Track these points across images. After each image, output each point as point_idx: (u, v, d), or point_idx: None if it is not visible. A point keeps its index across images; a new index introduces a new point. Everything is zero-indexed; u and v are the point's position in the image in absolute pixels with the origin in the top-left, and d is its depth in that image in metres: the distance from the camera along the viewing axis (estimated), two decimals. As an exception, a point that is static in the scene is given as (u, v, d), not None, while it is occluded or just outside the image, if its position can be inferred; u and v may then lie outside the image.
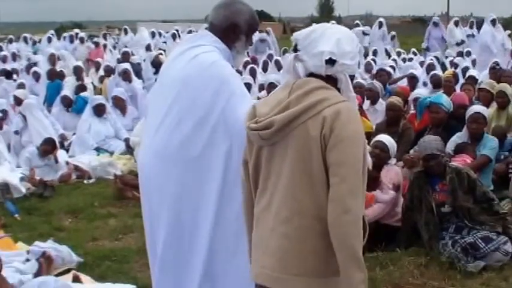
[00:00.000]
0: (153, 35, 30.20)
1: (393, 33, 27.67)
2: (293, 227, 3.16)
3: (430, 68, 16.21)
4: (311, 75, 3.30)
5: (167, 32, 30.42)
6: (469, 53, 21.22)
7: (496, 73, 14.02)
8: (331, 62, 3.21)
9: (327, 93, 3.16)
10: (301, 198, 3.14)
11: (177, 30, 28.12)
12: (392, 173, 7.43)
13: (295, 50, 3.35)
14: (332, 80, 3.26)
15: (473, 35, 25.06)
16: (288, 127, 3.14)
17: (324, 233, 3.10)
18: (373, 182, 7.25)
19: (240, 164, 3.61)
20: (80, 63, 17.92)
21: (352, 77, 3.40)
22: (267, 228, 3.27)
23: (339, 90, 3.27)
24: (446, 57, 20.81)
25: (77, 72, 16.67)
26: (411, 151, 8.42)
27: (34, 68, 17.79)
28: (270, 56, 21.78)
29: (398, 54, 23.22)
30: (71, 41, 26.82)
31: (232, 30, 4.37)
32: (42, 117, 12.12)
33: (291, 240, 3.17)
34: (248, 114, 3.41)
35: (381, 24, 26.58)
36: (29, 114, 11.81)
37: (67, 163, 10.82)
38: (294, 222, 3.16)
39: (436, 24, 25.45)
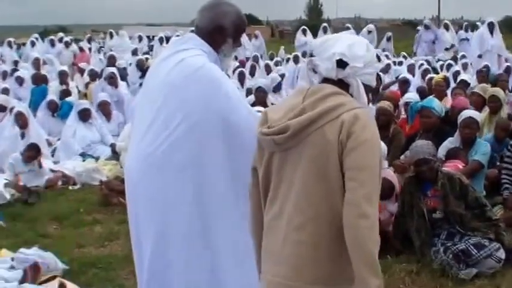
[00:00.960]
0: (140, 39, 30.25)
1: (389, 34, 27.76)
2: (307, 233, 3.12)
3: (425, 73, 16.24)
4: (325, 81, 3.27)
5: (154, 36, 30.43)
6: (462, 57, 21.24)
7: (484, 76, 14.04)
8: (342, 65, 3.20)
9: (343, 99, 3.14)
10: (317, 204, 3.11)
11: (167, 38, 27.98)
12: (388, 177, 7.36)
13: (311, 56, 3.35)
14: (344, 86, 3.23)
15: (467, 39, 25.09)
16: (304, 132, 3.11)
17: (338, 239, 3.05)
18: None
19: (240, 168, 3.63)
20: (65, 68, 17.88)
21: (370, 89, 3.35)
22: (278, 238, 3.23)
23: (351, 96, 3.24)
24: (438, 60, 20.83)
25: (62, 76, 16.61)
26: (402, 156, 8.39)
27: (17, 73, 17.70)
28: (256, 59, 21.77)
29: (387, 57, 23.22)
30: (52, 45, 26.72)
31: (218, 33, 4.32)
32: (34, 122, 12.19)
33: (305, 246, 3.13)
34: (260, 119, 3.36)
35: (370, 32, 26.67)
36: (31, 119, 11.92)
37: (52, 171, 10.76)
38: (307, 228, 3.12)
39: (427, 27, 25.54)
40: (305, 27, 28.89)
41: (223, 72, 4.34)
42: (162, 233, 4.19)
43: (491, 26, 21.27)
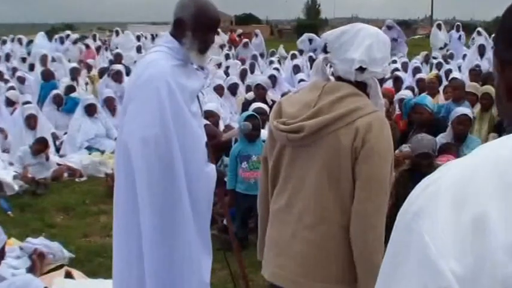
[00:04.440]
0: (138, 38, 30.54)
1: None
2: (319, 233, 3.17)
3: (416, 71, 16.36)
4: (340, 78, 3.25)
5: (157, 35, 30.57)
6: (452, 56, 21.31)
7: (476, 75, 14.16)
8: (361, 69, 3.16)
9: (359, 102, 3.13)
10: (328, 206, 3.14)
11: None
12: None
13: (325, 51, 3.28)
14: (362, 85, 3.23)
15: (458, 38, 25.12)
16: (318, 134, 3.11)
17: (346, 241, 3.13)
18: None
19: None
20: (75, 65, 18.11)
21: (381, 81, 3.38)
22: (286, 231, 3.28)
23: (367, 95, 3.25)
24: (434, 58, 20.86)
25: (74, 73, 16.81)
26: (396, 151, 8.55)
27: (18, 73, 17.85)
28: (255, 57, 21.88)
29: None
30: (62, 42, 26.98)
31: (178, 26, 4.24)
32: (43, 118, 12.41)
33: (316, 246, 3.18)
34: (274, 111, 3.35)
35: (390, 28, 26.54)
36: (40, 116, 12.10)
37: (58, 164, 10.88)
38: (319, 229, 3.17)
39: (389, 27, 25.31)
40: (311, 37, 27.95)
41: (171, 70, 4.13)
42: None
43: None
